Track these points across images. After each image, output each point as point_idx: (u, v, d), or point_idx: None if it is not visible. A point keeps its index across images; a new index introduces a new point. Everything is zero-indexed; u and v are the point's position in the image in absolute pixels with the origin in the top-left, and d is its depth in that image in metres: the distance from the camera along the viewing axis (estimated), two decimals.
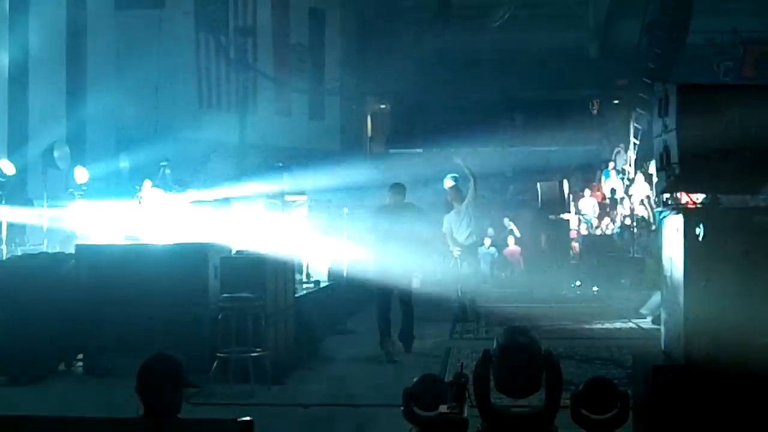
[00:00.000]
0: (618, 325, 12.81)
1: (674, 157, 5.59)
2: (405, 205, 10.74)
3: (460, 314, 13.60)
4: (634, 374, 6.32)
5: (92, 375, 9.00)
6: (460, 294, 13.70)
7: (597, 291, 16.75)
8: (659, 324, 11.81)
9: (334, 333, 11.99)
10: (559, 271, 17.96)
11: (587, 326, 12.75)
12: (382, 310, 10.47)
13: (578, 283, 16.96)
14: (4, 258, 10.51)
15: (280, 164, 10.70)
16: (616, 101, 26.81)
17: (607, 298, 16.42)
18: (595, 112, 28.55)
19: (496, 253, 21.27)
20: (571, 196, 21.69)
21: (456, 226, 13.71)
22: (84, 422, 3.89)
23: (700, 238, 5.40)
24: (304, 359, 9.82)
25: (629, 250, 18.73)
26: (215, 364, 8.18)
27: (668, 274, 5.84)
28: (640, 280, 16.62)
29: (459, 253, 13.61)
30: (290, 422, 7.08)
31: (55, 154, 14.01)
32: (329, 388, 8.50)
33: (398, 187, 10.81)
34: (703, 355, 5.40)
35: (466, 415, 4.71)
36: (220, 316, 8.27)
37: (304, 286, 11.31)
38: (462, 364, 5.99)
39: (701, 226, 5.38)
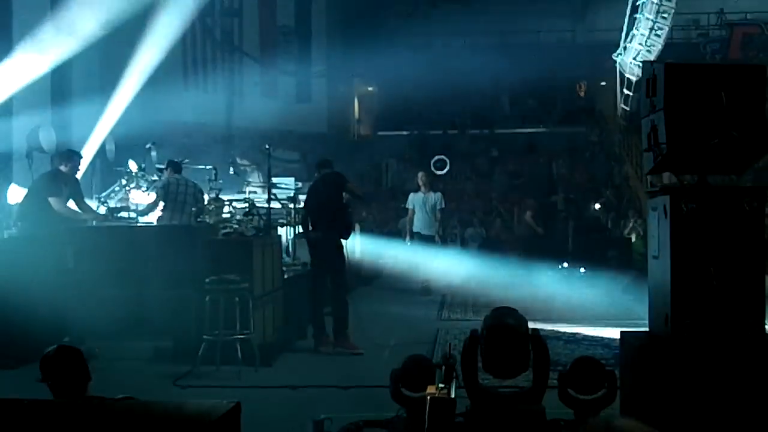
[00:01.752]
0: (605, 305, 12.84)
1: (662, 137, 5.58)
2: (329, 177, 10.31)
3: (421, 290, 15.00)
4: (621, 354, 6.33)
5: None
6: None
7: (584, 272, 16.78)
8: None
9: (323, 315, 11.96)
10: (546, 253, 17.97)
11: (574, 307, 12.77)
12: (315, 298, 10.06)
13: (565, 264, 16.98)
14: None
15: (267, 146, 10.61)
16: (602, 83, 26.82)
17: (594, 278, 16.48)
18: (582, 94, 28.59)
19: (485, 233, 21.31)
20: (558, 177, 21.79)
21: (419, 210, 15.11)
22: (70, 405, 3.86)
23: (687, 218, 5.41)
24: (292, 341, 9.83)
25: (616, 230, 18.80)
26: (202, 347, 8.16)
27: (655, 253, 5.85)
28: (627, 260, 16.69)
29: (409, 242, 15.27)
30: (278, 404, 7.08)
31: (40, 135, 13.94)
32: (317, 369, 8.50)
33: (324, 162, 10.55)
34: (689, 335, 5.41)
35: (453, 395, 4.72)
36: (207, 299, 8.24)
37: (292, 268, 11.28)
38: (450, 344, 5.98)
39: (687, 205, 5.39)
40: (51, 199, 9.69)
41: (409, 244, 15.45)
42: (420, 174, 15.94)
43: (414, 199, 15.37)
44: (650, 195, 6.03)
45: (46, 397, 5.06)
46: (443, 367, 4.97)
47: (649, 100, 5.78)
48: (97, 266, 9.24)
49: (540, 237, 18.18)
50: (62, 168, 9.96)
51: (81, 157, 10.52)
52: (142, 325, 9.13)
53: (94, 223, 10.17)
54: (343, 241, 10.03)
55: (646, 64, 5.86)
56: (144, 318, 9.13)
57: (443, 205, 15.46)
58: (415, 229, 15.25)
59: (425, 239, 15.25)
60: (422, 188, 15.38)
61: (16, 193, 12.00)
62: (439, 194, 15.41)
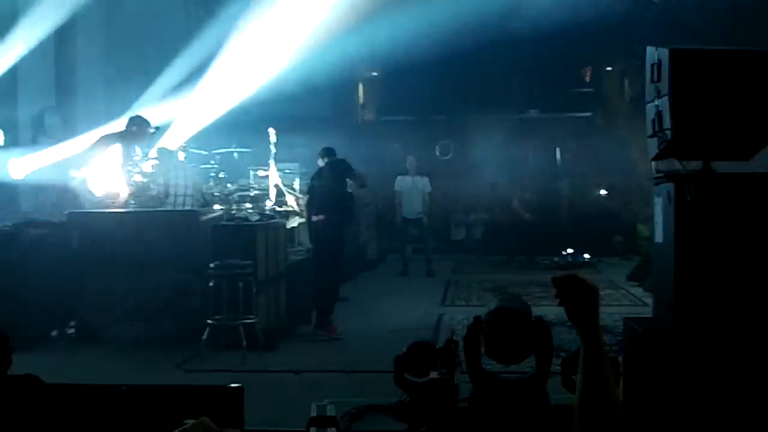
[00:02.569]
0: (609, 291, 12.85)
1: (666, 122, 5.56)
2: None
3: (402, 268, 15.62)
4: (624, 341, 6.33)
5: (83, 342, 8.99)
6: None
7: (588, 258, 16.79)
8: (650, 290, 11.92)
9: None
10: (549, 239, 17.99)
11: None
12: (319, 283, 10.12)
13: (570, 250, 16.97)
14: None
15: (272, 131, 10.62)
16: (608, 68, 26.68)
17: (598, 265, 16.51)
18: (587, 79, 28.46)
19: (488, 221, 21.28)
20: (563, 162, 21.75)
21: (407, 193, 15.65)
22: (74, 388, 3.88)
23: (691, 205, 5.40)
24: (296, 326, 9.85)
25: (621, 215, 18.77)
26: (206, 331, 8.17)
27: (659, 240, 5.84)
28: (632, 246, 16.70)
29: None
30: (281, 388, 7.09)
31: (46, 121, 13.98)
32: (321, 354, 8.52)
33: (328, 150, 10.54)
34: (693, 322, 5.41)
35: (456, 381, 4.72)
36: (211, 284, 8.26)
37: (297, 253, 11.28)
38: (453, 330, 5.99)
39: (692, 192, 5.37)
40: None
41: (400, 225, 15.95)
42: (409, 158, 16.47)
43: (402, 183, 15.82)
44: (655, 181, 6.01)
45: (51, 381, 5.08)
46: (445, 353, 4.96)
47: (653, 86, 5.75)
48: (102, 250, 9.23)
49: (530, 223, 18.18)
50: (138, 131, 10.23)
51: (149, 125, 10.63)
52: (147, 309, 9.13)
53: None
54: (344, 228, 10.18)
55: (650, 49, 5.82)
56: (149, 302, 9.13)
57: (430, 189, 15.87)
58: (403, 213, 15.74)
59: (412, 223, 15.74)
60: (410, 171, 15.90)
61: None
62: (426, 178, 15.89)
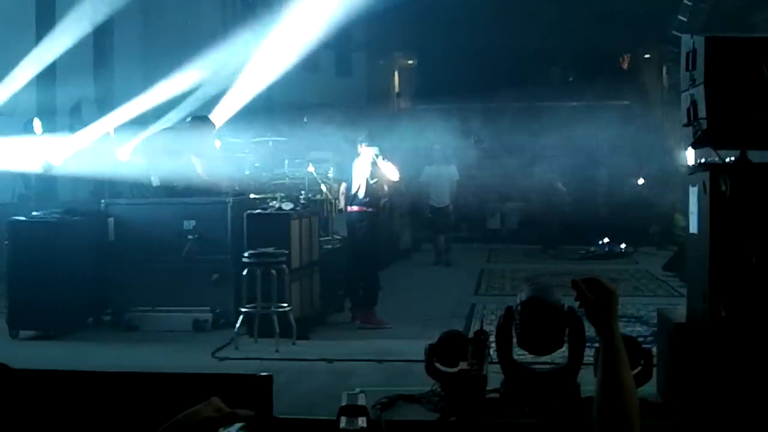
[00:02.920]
0: (644, 282, 12.76)
1: (701, 111, 5.50)
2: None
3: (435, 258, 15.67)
4: (658, 332, 6.29)
5: (119, 329, 9.09)
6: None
7: (624, 248, 16.66)
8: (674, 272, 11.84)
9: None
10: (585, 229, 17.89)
11: (614, 283, 12.67)
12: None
13: (606, 240, 16.85)
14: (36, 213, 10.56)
15: (305, 120, 10.66)
16: (646, 56, 26.44)
17: (634, 255, 16.38)
18: (625, 67, 28.21)
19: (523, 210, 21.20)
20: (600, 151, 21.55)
21: (434, 182, 15.63)
22: (102, 376, 3.92)
23: (726, 194, 5.34)
24: (329, 315, 9.87)
25: (658, 204, 18.56)
26: (240, 319, 8.22)
27: (694, 230, 5.78)
28: (669, 236, 16.55)
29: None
30: (313, 376, 7.11)
31: (83, 110, 14.12)
32: (353, 343, 8.53)
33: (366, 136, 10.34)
34: (727, 313, 5.35)
35: (485, 371, 4.72)
36: (244, 272, 8.30)
37: (331, 241, 11.30)
38: (483, 321, 5.96)
39: (727, 181, 5.31)
40: (194, 159, 9.98)
41: (429, 215, 15.97)
42: (435, 147, 16.39)
43: (428, 173, 15.74)
44: (690, 171, 5.96)
45: (86, 368, 5.15)
46: (475, 343, 4.96)
47: (689, 74, 5.70)
48: (138, 238, 9.32)
49: (565, 213, 18.06)
50: (197, 132, 10.28)
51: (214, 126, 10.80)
52: (182, 297, 9.21)
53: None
54: (378, 219, 10.10)
55: (686, 37, 5.76)
56: (184, 290, 9.21)
57: (458, 177, 15.83)
58: (430, 203, 15.72)
59: (440, 212, 15.66)
60: (437, 160, 15.91)
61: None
62: (453, 167, 15.86)
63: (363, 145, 10.06)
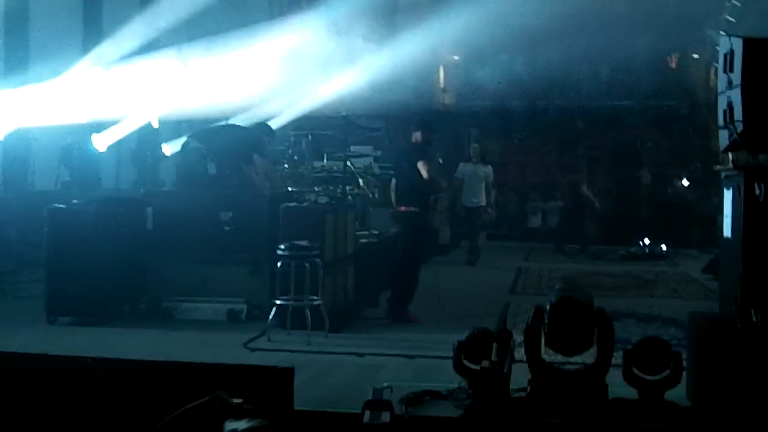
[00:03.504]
0: (683, 284, 12.63)
1: (738, 114, 5.43)
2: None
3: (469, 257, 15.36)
4: (688, 335, 6.23)
5: (154, 318, 9.19)
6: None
7: (665, 249, 16.50)
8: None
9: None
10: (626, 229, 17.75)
11: (651, 285, 12.59)
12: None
13: (646, 241, 16.69)
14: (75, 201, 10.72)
15: (344, 114, 10.76)
16: (695, 56, 26.12)
17: (675, 257, 16.22)
18: (673, 66, 27.89)
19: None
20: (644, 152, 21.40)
21: (468, 181, 15.27)
22: (129, 363, 3.98)
23: (761, 199, 5.27)
24: (363, 308, 9.90)
25: (702, 206, 18.37)
26: (273, 311, 8.28)
27: (727, 234, 5.73)
28: (711, 238, 16.33)
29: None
30: (343, 370, 7.14)
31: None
32: (385, 338, 8.55)
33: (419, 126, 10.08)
34: (758, 318, 5.29)
35: (506, 369, 4.71)
36: (278, 264, 8.35)
37: (367, 236, 11.33)
38: (505, 319, 5.94)
39: (762, 185, 5.25)
40: (257, 158, 10.30)
41: (462, 214, 15.81)
42: (473, 145, 16.34)
43: (464, 170, 15.47)
44: (724, 174, 5.89)
45: (120, 355, 5.23)
46: (498, 342, 4.96)
47: (726, 76, 5.63)
48: (176, 228, 9.42)
49: (606, 212, 17.90)
50: (263, 137, 10.61)
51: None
52: (218, 287, 9.29)
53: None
54: (422, 215, 9.85)
55: (724, 38, 5.69)
56: (219, 280, 9.30)
57: (492, 179, 15.67)
58: (462, 202, 15.45)
59: (472, 212, 15.42)
60: (473, 159, 15.62)
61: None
62: (489, 167, 15.61)
63: (418, 133, 9.86)
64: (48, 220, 9.09)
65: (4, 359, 4.25)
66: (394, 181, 10.32)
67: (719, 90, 5.84)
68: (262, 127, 10.65)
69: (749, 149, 5.54)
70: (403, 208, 9.79)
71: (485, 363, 4.78)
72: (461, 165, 15.63)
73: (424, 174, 9.59)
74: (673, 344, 6.16)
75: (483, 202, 15.38)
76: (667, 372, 5.65)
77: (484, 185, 15.33)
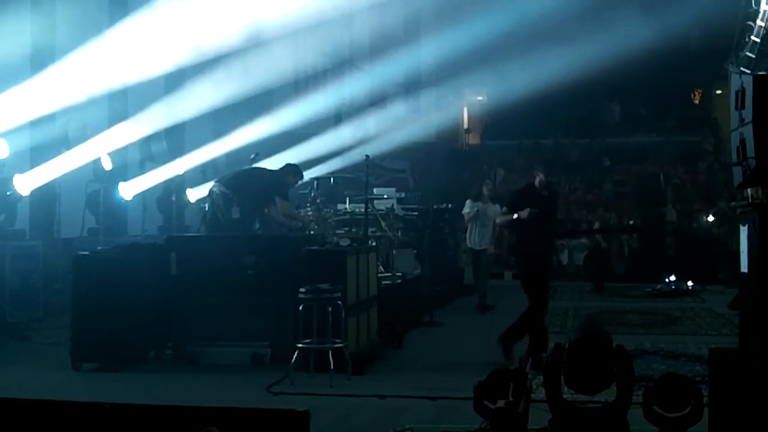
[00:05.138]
0: (709, 320, 12.55)
1: (750, 150, 5.46)
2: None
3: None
4: (709, 371, 6.19)
5: (179, 363, 9.25)
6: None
7: (692, 286, 16.39)
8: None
9: (421, 325, 12.07)
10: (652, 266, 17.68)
11: (677, 322, 12.51)
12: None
13: (672, 278, 16.59)
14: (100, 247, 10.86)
15: (367, 156, 10.85)
16: (718, 91, 26.14)
17: (702, 293, 16.11)
18: (696, 101, 27.93)
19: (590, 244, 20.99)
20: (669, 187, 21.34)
21: (480, 223, 14.07)
22: (144, 409, 4.04)
23: None
24: (385, 351, 9.92)
25: (728, 242, 18.28)
26: (296, 354, 8.32)
27: (744, 269, 5.72)
28: (737, 274, 16.21)
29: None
30: (365, 413, 7.16)
31: (152, 148, 14.52)
32: (408, 379, 8.55)
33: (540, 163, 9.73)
34: None
35: (522, 409, 4.72)
36: (300, 308, 8.41)
37: (391, 277, 11.38)
38: (521, 359, 5.96)
39: None
40: (278, 200, 10.41)
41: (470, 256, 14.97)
42: (486, 182, 15.04)
43: (473, 209, 14.29)
44: (740, 210, 5.91)
45: (143, 401, 5.29)
46: (515, 381, 4.97)
47: (738, 113, 5.66)
48: (200, 273, 9.49)
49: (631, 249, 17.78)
50: (288, 178, 10.65)
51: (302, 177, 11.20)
52: (242, 331, 9.36)
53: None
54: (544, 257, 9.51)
55: (734, 76, 5.73)
56: (243, 324, 9.36)
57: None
58: (468, 243, 14.55)
59: (478, 253, 14.43)
60: (483, 198, 14.35)
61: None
62: (497, 206, 13.81)
63: (541, 174, 9.40)
64: (73, 267, 9.24)
65: (29, 406, 4.32)
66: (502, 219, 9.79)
67: (731, 127, 5.88)
68: (289, 167, 10.72)
69: (762, 185, 5.56)
70: (523, 252, 9.37)
71: (501, 403, 4.78)
72: (469, 203, 14.49)
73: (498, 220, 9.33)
74: (697, 381, 6.14)
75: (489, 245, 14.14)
76: (689, 409, 5.62)
77: (492, 226, 13.84)
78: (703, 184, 23.37)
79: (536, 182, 9.37)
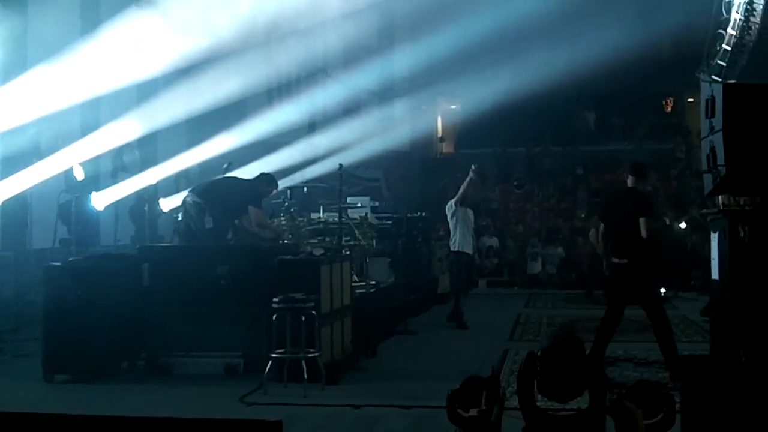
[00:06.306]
0: (682, 327, 12.62)
1: (720, 158, 5.52)
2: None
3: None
4: (683, 378, 6.22)
5: (152, 374, 9.19)
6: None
7: (664, 293, 16.46)
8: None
9: (395, 333, 12.06)
10: None
11: (649, 329, 12.53)
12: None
13: None
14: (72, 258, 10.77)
15: (340, 165, 10.84)
16: (690, 99, 26.35)
17: (674, 300, 16.20)
18: (669, 110, 28.13)
19: (563, 254, 21.09)
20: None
21: (461, 226, 13.35)
22: (116, 420, 3.99)
23: (745, 240, 5.32)
24: (360, 360, 9.89)
25: (701, 249, 18.40)
26: (269, 364, 8.28)
27: (715, 276, 5.77)
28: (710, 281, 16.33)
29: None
30: (340, 422, 7.14)
31: (125, 158, 14.43)
32: (382, 389, 8.54)
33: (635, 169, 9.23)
34: (747, 359, 5.31)
35: (494, 417, 4.72)
36: (274, 317, 8.37)
37: (365, 286, 11.36)
38: (493, 367, 5.94)
39: (745, 228, 5.30)
40: (251, 209, 10.27)
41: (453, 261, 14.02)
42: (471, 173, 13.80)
43: (457, 213, 13.41)
44: (710, 217, 5.96)
45: (116, 412, 5.24)
46: (487, 389, 4.97)
47: (708, 121, 5.72)
48: (172, 283, 9.44)
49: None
50: (263, 187, 10.55)
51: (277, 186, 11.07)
52: (215, 341, 9.30)
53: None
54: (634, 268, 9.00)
55: (704, 85, 5.79)
56: (217, 335, 9.31)
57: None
58: (458, 248, 13.42)
59: (468, 258, 13.84)
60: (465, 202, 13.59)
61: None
62: (471, 211, 13.72)
63: (632, 177, 9.07)
64: (45, 278, 9.17)
65: (0, 419, 4.27)
66: (602, 226, 9.48)
67: (702, 135, 5.93)
68: (263, 177, 10.66)
69: (733, 192, 5.62)
70: (615, 260, 9.10)
71: (473, 411, 4.78)
72: (451, 203, 13.52)
73: (644, 233, 8.70)
74: (669, 387, 6.16)
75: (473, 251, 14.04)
76: (661, 416, 5.64)
77: (471, 230, 13.70)
78: (675, 192, 23.54)
79: (629, 184, 9.12)
